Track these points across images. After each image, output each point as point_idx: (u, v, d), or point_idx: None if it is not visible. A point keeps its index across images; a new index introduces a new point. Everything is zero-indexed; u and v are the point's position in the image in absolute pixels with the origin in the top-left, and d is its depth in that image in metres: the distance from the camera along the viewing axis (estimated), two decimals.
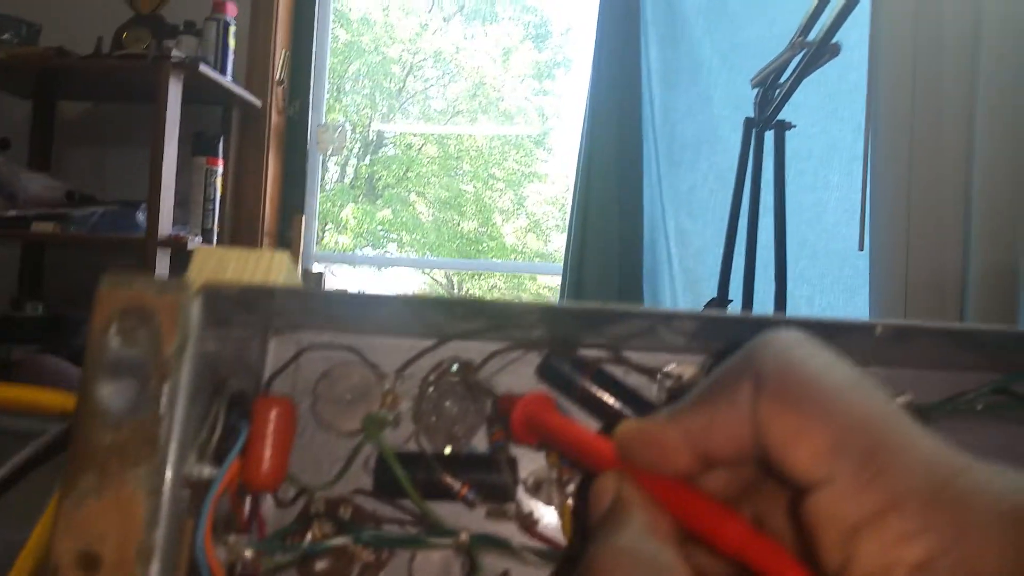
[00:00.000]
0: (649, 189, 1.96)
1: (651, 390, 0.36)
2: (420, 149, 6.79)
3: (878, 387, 0.22)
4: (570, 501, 0.35)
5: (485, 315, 0.37)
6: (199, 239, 1.95)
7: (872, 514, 0.20)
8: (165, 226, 1.85)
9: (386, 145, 6.62)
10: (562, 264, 2.08)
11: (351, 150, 5.32)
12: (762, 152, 1.20)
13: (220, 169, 2.04)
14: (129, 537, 0.30)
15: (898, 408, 0.21)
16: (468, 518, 0.37)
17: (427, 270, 7.84)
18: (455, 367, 0.38)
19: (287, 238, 2.27)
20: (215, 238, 2.03)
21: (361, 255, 6.45)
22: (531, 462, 0.37)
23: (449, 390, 0.38)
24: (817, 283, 1.79)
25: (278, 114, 2.27)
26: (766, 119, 1.18)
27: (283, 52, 2.27)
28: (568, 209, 2.10)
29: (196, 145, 2.01)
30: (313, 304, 0.38)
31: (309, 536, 0.37)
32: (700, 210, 1.94)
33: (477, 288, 8.06)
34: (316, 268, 2.36)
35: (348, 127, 2.47)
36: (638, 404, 0.34)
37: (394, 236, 7.85)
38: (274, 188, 2.27)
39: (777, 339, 0.23)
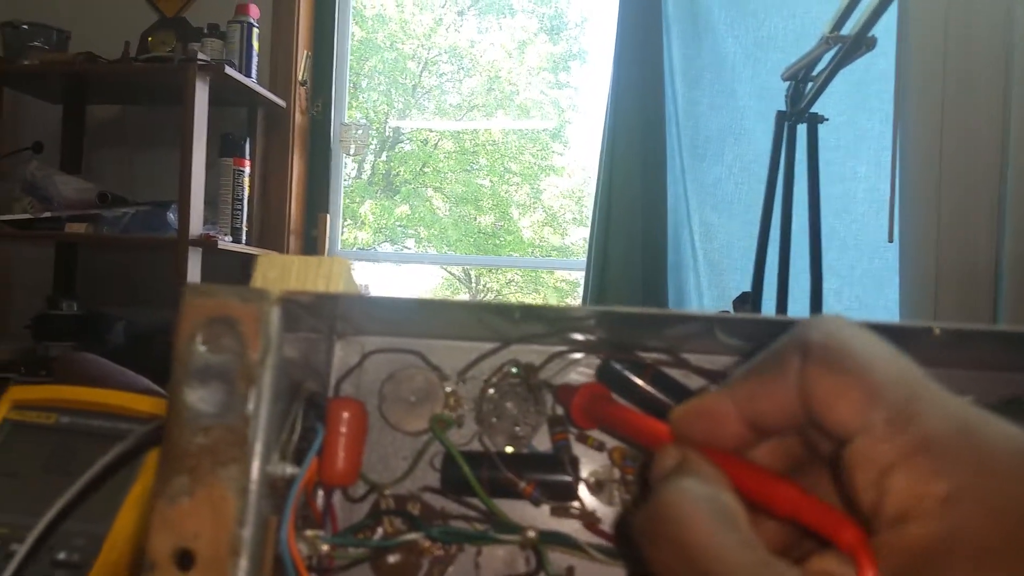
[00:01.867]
0: (673, 183, 1.97)
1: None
2: (436, 144, 6.79)
3: (910, 360, 0.24)
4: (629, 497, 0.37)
5: (545, 319, 0.38)
6: (229, 238, 1.98)
7: (903, 455, 0.22)
8: (196, 226, 1.88)
9: (402, 141, 6.64)
10: (583, 258, 2.09)
11: (369, 147, 5.35)
12: (795, 145, 1.20)
13: (247, 170, 2.06)
14: (221, 534, 0.32)
15: (925, 374, 0.24)
16: (531, 515, 0.38)
17: (445, 265, 7.87)
18: (516, 369, 0.39)
19: (312, 236, 2.30)
20: (243, 237, 2.06)
21: (381, 251, 6.47)
22: (593, 462, 0.38)
23: (510, 391, 0.39)
24: (846, 275, 1.79)
25: (301, 114, 2.30)
26: (799, 112, 1.18)
27: (305, 53, 2.29)
28: (587, 202, 2.12)
29: (223, 146, 2.04)
30: (378, 310, 0.40)
31: (380, 531, 0.38)
32: (725, 203, 1.94)
33: (495, 282, 8.08)
34: None
35: (368, 126, 2.48)
36: None
37: (412, 232, 7.88)
38: (299, 187, 2.30)
39: (823, 319, 0.26)
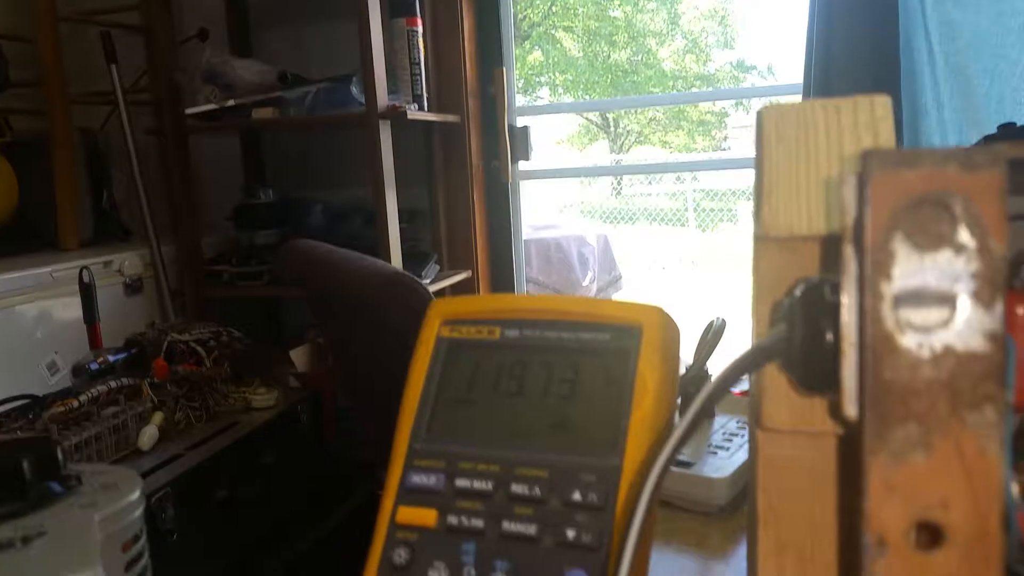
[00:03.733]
0: None
1: None
2: None
3: None
4: None
5: None
6: (415, 106, 1.89)
7: None
8: (382, 97, 1.79)
9: None
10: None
11: None
12: None
13: (420, 29, 1.94)
14: (983, 501, 0.23)
15: None
16: None
17: (584, 113, 7.55)
18: None
19: (490, 94, 2.18)
20: (425, 103, 1.96)
21: (530, 106, 6.31)
22: None
23: None
24: None
25: None
26: None
27: None
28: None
29: (392, 6, 1.91)
30: None
31: None
32: None
33: (635, 123, 7.75)
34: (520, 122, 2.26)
35: None
36: None
37: (545, 79, 7.58)
38: (471, 43, 2.16)
39: None
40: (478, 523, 0.37)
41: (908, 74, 1.75)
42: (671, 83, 6.29)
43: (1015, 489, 0.27)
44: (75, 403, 1.26)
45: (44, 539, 0.39)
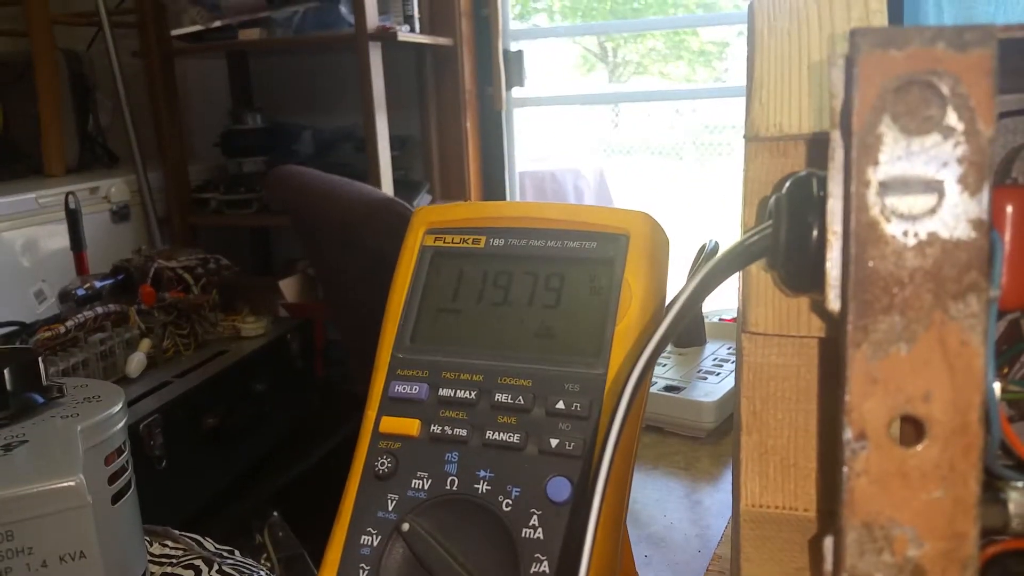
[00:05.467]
0: None
1: None
2: None
3: None
4: None
5: None
6: (406, 28, 1.84)
7: None
8: (372, 17, 1.74)
9: None
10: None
11: None
12: None
13: None
14: (965, 394, 0.22)
15: None
16: None
17: (577, 39, 7.39)
18: None
19: (483, 16, 2.12)
20: (416, 25, 1.91)
21: (524, 29, 6.11)
22: None
23: None
24: None
25: None
26: None
27: None
28: None
29: None
30: None
31: None
32: None
33: (634, 53, 7.59)
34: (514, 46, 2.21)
35: None
36: None
37: (542, 5, 7.40)
38: None
39: None
40: (461, 432, 0.37)
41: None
42: (672, 11, 6.08)
43: (997, 388, 0.26)
44: (62, 328, 1.25)
45: (26, 447, 0.39)
